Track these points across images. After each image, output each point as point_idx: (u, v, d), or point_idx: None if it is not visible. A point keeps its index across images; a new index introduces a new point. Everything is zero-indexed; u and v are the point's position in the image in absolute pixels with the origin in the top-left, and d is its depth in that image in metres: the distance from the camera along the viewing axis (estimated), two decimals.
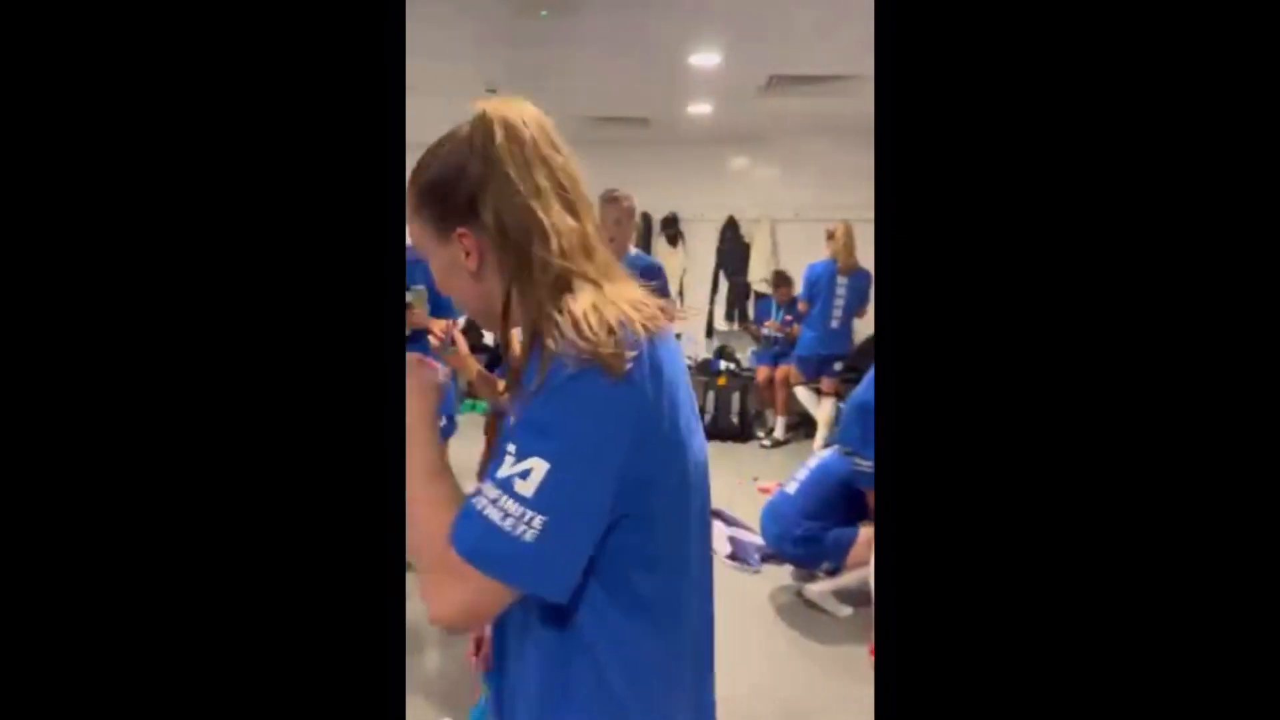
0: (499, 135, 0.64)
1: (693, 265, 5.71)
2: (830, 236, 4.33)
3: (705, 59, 3.50)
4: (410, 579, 0.61)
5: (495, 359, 2.98)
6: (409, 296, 2.64)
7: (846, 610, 2.59)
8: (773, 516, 2.66)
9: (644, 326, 0.61)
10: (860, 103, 3.96)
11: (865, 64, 3.26)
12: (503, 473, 0.58)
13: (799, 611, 2.65)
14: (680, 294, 5.65)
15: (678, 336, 0.71)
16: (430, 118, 5.46)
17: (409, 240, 0.71)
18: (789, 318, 4.91)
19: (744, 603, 2.70)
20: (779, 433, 4.92)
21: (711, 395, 5.19)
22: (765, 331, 5.07)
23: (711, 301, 5.68)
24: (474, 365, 1.39)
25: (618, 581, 0.63)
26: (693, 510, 0.67)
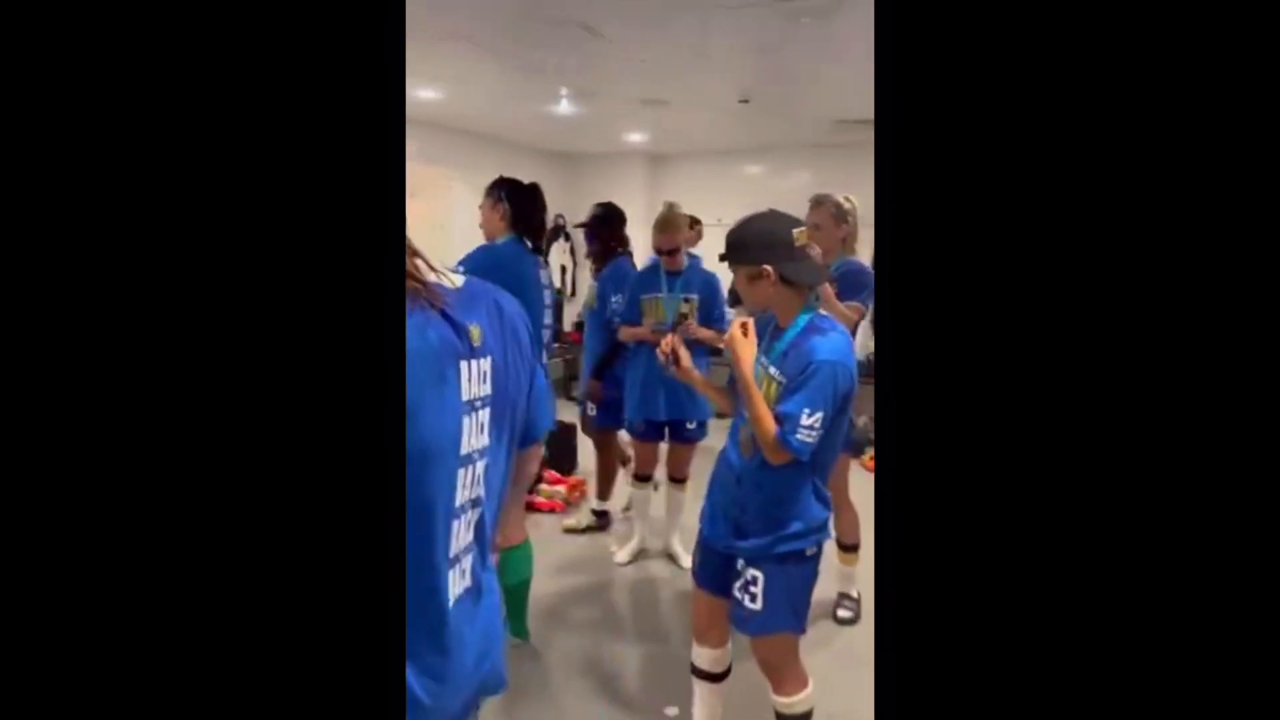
0: None
1: None
2: None
3: None
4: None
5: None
6: (683, 307, 2.78)
7: None
8: None
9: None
10: None
11: None
12: None
13: None
14: None
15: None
16: (685, 127, 5.61)
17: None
18: None
19: None
20: None
21: None
22: None
23: None
24: (698, 376, 1.65)
25: None
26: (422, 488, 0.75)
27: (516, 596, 2.24)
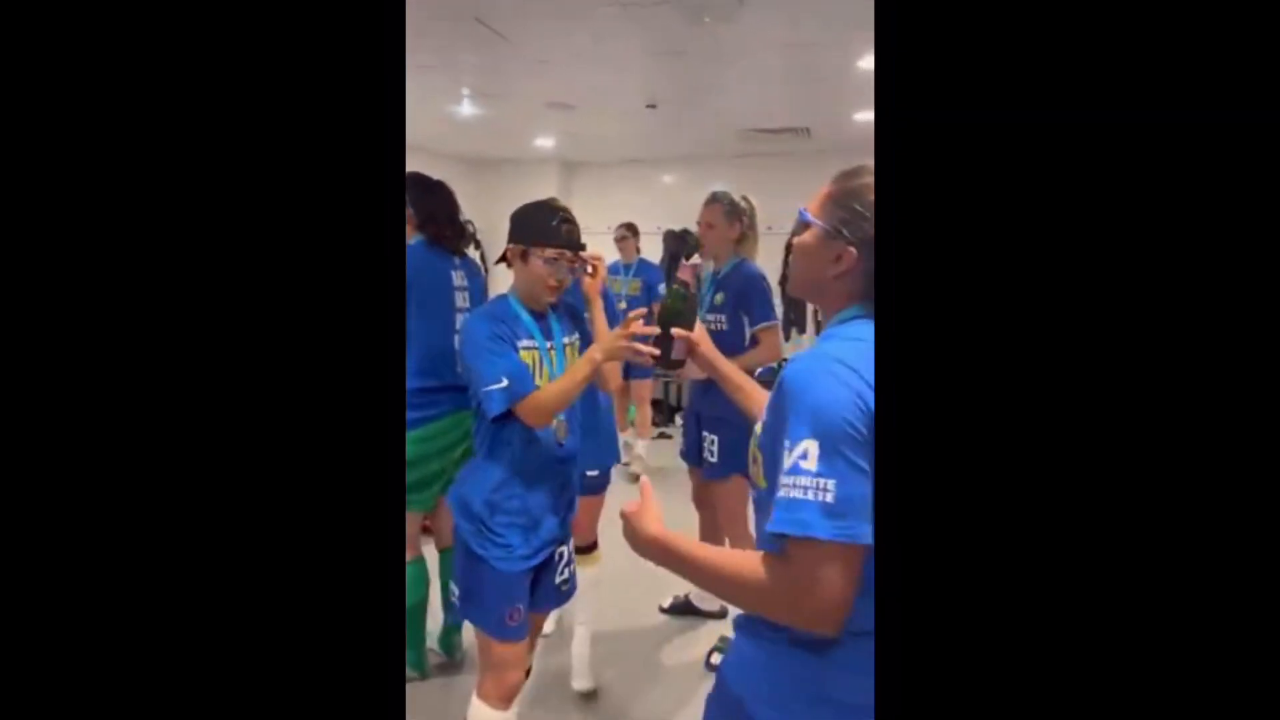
0: None
1: None
2: None
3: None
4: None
5: None
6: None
7: None
8: None
9: None
10: None
11: None
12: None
13: None
14: None
15: None
16: (595, 133, 5.49)
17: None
18: None
19: None
20: None
21: None
22: None
23: None
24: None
25: None
26: None
27: (410, 621, 2.09)
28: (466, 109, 4.38)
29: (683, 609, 2.66)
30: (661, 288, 3.27)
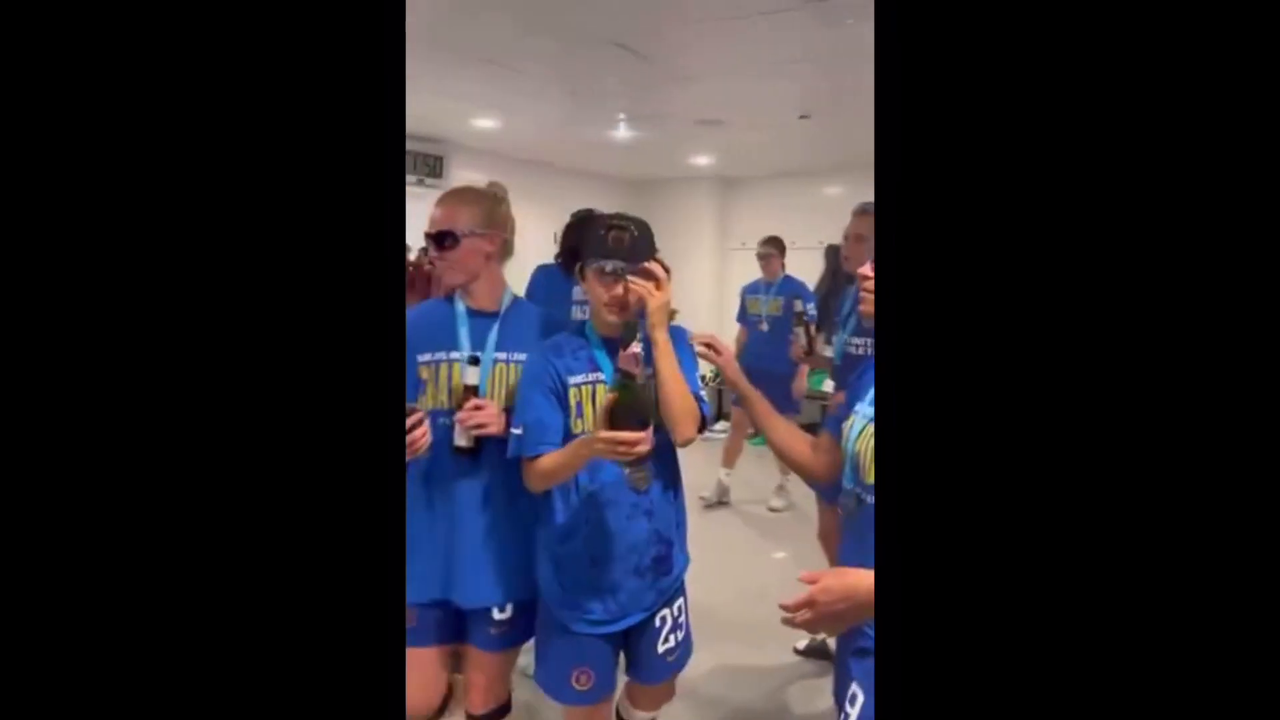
0: None
1: None
2: None
3: None
4: None
5: None
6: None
7: None
8: None
9: None
10: None
11: None
12: None
13: None
14: None
15: None
16: (751, 148, 5.36)
17: None
18: None
19: None
20: None
21: None
22: None
23: None
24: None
25: None
26: None
27: None
28: (623, 132, 4.49)
29: (819, 653, 2.47)
30: (808, 307, 3.09)
